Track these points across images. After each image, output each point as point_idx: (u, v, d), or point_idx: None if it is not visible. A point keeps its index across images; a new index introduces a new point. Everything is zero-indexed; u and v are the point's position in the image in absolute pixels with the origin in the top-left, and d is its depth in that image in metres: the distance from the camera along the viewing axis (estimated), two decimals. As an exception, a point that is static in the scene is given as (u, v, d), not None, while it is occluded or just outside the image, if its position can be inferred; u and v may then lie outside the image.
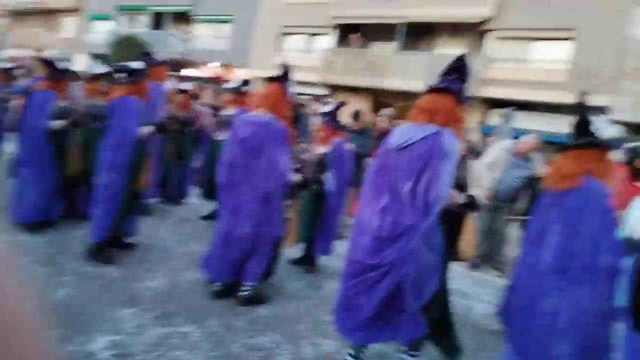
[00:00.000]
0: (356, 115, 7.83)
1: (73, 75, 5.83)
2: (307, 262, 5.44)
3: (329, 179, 5.12)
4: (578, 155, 2.89)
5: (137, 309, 3.80)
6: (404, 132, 3.00)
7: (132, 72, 4.68)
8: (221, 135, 6.18)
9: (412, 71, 18.18)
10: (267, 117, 4.08)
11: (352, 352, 3.40)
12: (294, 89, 4.36)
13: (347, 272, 3.11)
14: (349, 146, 6.45)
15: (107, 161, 4.50)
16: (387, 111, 7.89)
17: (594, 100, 13.35)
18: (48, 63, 5.39)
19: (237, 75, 19.27)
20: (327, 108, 5.36)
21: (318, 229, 5.23)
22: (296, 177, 4.94)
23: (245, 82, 6.62)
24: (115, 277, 4.36)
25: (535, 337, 2.86)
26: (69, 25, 32.94)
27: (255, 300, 4.23)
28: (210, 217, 6.49)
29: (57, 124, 5.18)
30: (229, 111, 6.35)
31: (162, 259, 4.98)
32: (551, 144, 12.50)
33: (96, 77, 5.72)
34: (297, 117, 8.50)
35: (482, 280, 6.09)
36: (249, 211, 4.04)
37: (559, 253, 2.77)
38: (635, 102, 15.26)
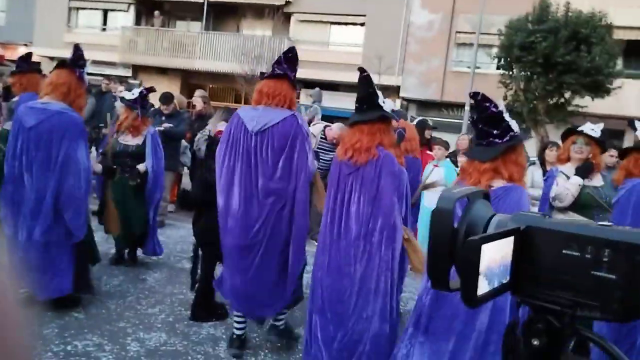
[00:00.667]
0: (167, 99, 7.45)
1: None
2: (130, 259, 5.08)
3: (148, 170, 4.80)
4: (371, 130, 2.97)
5: None
6: (259, 117, 3.29)
7: None
8: (5, 124, 5.24)
9: (221, 52, 18.02)
10: (59, 106, 3.62)
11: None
12: (88, 69, 3.94)
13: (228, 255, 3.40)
14: (165, 126, 6.13)
15: None
16: (200, 92, 7.67)
17: (385, 81, 14.98)
18: None
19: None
20: (132, 94, 4.93)
21: (146, 229, 4.85)
22: (98, 167, 4.56)
23: (28, 58, 5.54)
24: None
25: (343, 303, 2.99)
26: None
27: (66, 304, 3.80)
28: None
29: None
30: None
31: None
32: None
33: None
34: (100, 101, 7.80)
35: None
36: (31, 212, 3.55)
37: (362, 220, 2.97)
38: (418, 82, 17.47)
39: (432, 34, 17.33)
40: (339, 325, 2.93)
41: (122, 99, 5.06)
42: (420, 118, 8.03)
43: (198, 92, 7.73)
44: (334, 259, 2.99)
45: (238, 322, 3.50)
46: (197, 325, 3.82)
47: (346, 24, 18.39)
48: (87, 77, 3.92)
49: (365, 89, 3.04)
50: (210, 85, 18.89)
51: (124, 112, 4.86)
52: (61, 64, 3.84)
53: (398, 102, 16.47)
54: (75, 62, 3.82)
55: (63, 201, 3.57)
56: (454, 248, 0.71)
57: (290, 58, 3.45)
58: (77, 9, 20.68)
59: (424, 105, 17.49)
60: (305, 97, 18.27)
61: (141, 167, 4.78)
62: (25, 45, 18.72)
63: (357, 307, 2.92)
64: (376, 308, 2.90)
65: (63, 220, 3.61)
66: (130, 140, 4.81)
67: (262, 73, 3.71)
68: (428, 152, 6.40)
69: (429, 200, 5.30)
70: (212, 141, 4.09)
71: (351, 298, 2.93)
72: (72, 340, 3.35)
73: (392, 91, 16.16)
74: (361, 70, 3.05)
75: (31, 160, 3.55)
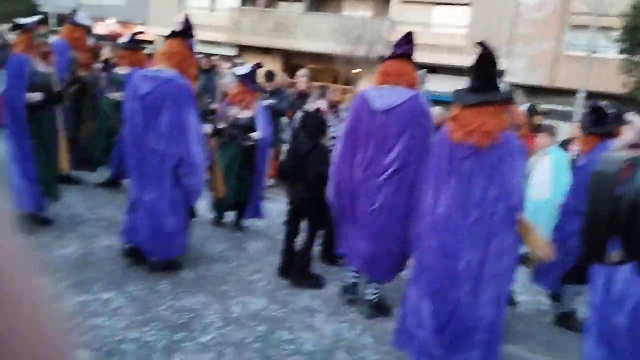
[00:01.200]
0: (270, 76, 7.69)
1: None
2: (236, 225, 5.39)
3: (258, 140, 5.09)
4: (497, 112, 2.83)
5: (51, 278, 3.53)
6: (385, 96, 3.46)
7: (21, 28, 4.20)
8: (115, 95, 5.70)
9: (322, 33, 18.15)
10: (171, 74, 3.74)
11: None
12: (198, 47, 4.10)
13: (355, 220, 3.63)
14: (268, 102, 6.35)
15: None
16: (304, 72, 7.81)
17: (491, 64, 14.29)
18: None
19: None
20: (244, 70, 5.18)
21: (249, 194, 5.18)
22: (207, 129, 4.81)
23: (137, 37, 6.00)
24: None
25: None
26: None
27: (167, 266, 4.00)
28: (113, 183, 6.08)
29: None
30: (123, 70, 5.80)
31: (73, 226, 4.64)
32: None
33: None
34: (208, 77, 8.20)
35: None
36: (153, 175, 3.74)
37: (484, 205, 2.81)
38: (527, 65, 16.47)
39: (543, 15, 16.21)
40: (453, 312, 2.85)
41: (235, 74, 5.28)
42: (529, 104, 7.58)
43: (302, 72, 7.87)
44: (450, 244, 2.86)
45: (354, 273, 3.87)
46: (295, 295, 3.95)
47: (451, 4, 17.72)
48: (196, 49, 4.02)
49: (488, 69, 2.88)
50: (311, 66, 19.11)
51: (237, 87, 5.12)
52: (173, 34, 3.92)
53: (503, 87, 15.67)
54: (186, 32, 3.90)
55: (181, 166, 3.74)
56: (618, 215, 0.67)
57: (409, 40, 3.64)
58: (189, -10, 21.82)
59: (532, 90, 16.47)
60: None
61: (254, 135, 5.06)
62: (141, 24, 20.10)
63: (473, 293, 2.82)
64: (493, 294, 2.81)
65: (181, 184, 3.80)
66: (242, 113, 5.08)
67: (381, 56, 3.87)
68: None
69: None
70: (308, 116, 4.27)
71: (468, 284, 2.82)
72: (183, 297, 3.61)
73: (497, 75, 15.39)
74: (482, 45, 2.84)
75: (147, 125, 3.69)
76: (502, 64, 16.03)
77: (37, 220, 4.45)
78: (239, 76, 5.14)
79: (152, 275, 3.86)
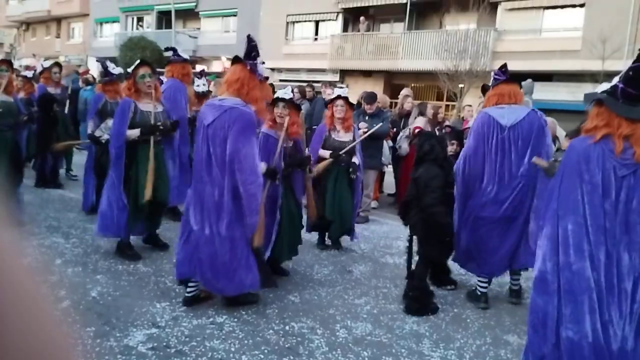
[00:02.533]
0: (371, 98, 7.75)
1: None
2: (334, 245, 5.50)
3: (358, 164, 5.29)
4: None
5: (170, 302, 3.83)
6: (509, 114, 3.99)
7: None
8: None
9: (424, 50, 17.97)
10: (233, 101, 3.62)
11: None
12: (262, 69, 3.83)
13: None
14: (364, 127, 6.42)
15: None
16: (406, 91, 7.79)
17: (610, 66, 13.12)
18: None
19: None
20: (343, 92, 5.33)
21: (349, 217, 5.32)
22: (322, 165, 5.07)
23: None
24: (146, 273, 4.40)
25: None
26: (78, 32, 33.25)
27: (239, 301, 3.87)
28: None
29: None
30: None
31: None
32: (575, 113, 12.30)
33: (114, 80, 5.93)
34: (313, 104, 8.48)
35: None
36: (214, 207, 3.59)
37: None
38: (655, 65, 14.85)
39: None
40: None
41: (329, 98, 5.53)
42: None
43: (404, 91, 7.85)
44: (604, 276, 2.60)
45: (482, 282, 4.29)
46: (401, 320, 3.88)
47: (562, 6, 16.63)
48: (261, 68, 3.79)
49: None
50: (413, 84, 19.00)
51: (338, 110, 5.31)
52: (235, 59, 3.77)
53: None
54: (248, 54, 3.72)
55: (239, 196, 3.59)
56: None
57: (505, 69, 4.21)
58: (294, 22, 22.83)
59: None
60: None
61: (355, 160, 5.29)
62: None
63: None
64: None
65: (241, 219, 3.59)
66: (343, 137, 5.26)
67: (485, 85, 4.56)
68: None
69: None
70: (429, 145, 4.11)
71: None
72: (290, 321, 3.71)
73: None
74: None
75: (210, 156, 3.61)
76: (624, 65, 14.66)
77: (156, 244, 5.00)
78: (340, 98, 5.32)
79: (262, 299, 4.02)
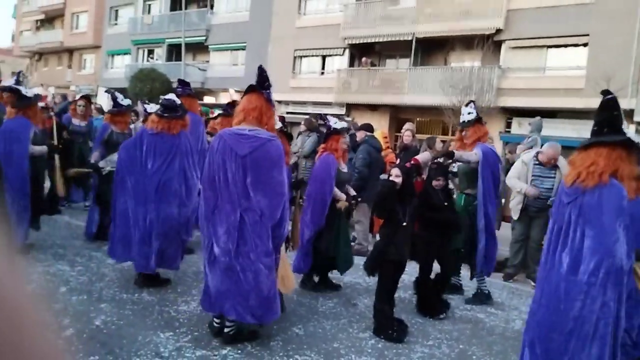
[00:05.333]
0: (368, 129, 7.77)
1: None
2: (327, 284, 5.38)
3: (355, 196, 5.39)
4: (611, 154, 2.78)
5: (174, 332, 3.81)
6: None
7: (175, 108, 4.79)
8: None
9: (429, 85, 18.21)
10: (267, 134, 3.68)
11: None
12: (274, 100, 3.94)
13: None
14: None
15: None
16: (408, 126, 7.88)
17: (615, 104, 13.24)
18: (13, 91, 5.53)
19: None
20: (338, 124, 5.30)
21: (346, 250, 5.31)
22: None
23: (234, 104, 6.53)
24: (150, 302, 4.38)
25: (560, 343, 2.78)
26: (89, 63, 33.95)
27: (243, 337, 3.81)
28: None
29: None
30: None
31: (194, 283, 4.99)
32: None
33: (123, 111, 6.07)
34: (320, 137, 8.57)
35: (518, 291, 5.97)
36: (249, 235, 3.59)
37: (576, 255, 2.74)
38: (658, 103, 15.01)
39: (675, 48, 14.82)
40: None
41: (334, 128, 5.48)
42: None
43: (407, 125, 7.94)
44: (546, 293, 2.84)
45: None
46: (406, 355, 3.84)
47: (566, 45, 16.89)
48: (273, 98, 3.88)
49: (608, 112, 2.89)
50: (418, 119, 19.18)
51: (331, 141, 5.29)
52: (250, 88, 3.82)
53: (632, 127, 14.36)
54: (262, 84, 3.79)
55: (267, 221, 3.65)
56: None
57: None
58: (301, 57, 23.26)
59: (666, 130, 14.89)
60: (517, 126, 17.26)
61: (351, 191, 5.41)
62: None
63: (568, 349, 2.71)
64: (592, 356, 2.63)
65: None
66: (344, 168, 5.37)
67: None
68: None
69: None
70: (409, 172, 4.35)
71: (561, 337, 2.74)
72: (294, 354, 3.67)
73: (624, 115, 14.18)
74: (605, 92, 2.92)
75: (246, 185, 3.58)
76: (628, 103, 14.83)
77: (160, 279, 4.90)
78: (335, 130, 5.22)
79: (265, 331, 3.98)
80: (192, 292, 4.75)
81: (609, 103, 2.90)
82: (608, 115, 2.90)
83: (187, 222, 4.83)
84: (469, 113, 5.25)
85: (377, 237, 5.47)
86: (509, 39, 17.73)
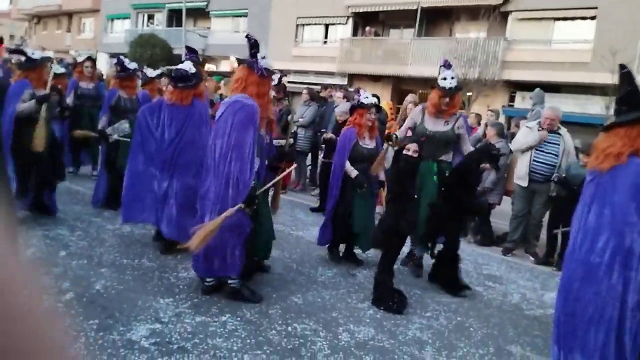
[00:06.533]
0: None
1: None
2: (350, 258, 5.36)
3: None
4: (630, 133, 2.68)
5: (174, 298, 3.82)
6: None
7: (187, 78, 4.65)
8: None
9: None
10: (235, 97, 3.86)
11: None
12: (264, 63, 3.90)
13: None
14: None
15: None
16: (411, 97, 7.78)
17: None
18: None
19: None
20: (368, 99, 5.08)
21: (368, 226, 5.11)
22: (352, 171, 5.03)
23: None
24: (150, 268, 4.39)
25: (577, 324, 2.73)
26: (88, 27, 33.41)
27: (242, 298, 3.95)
28: None
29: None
30: None
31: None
32: (583, 126, 12.25)
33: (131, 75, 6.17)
34: (322, 107, 8.47)
35: (517, 266, 5.99)
36: (216, 198, 3.76)
37: (590, 236, 2.66)
38: (665, 80, 14.80)
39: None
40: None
41: (362, 102, 5.11)
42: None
43: (409, 97, 7.85)
44: (564, 278, 2.76)
45: None
46: (404, 326, 3.87)
47: (573, 18, 16.60)
48: (263, 62, 3.87)
49: (624, 88, 2.77)
50: (421, 91, 18.96)
51: (369, 117, 5.08)
52: (238, 61, 4.07)
53: None
54: (250, 52, 3.91)
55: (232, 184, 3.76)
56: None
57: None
58: (303, 25, 22.86)
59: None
60: (521, 100, 17.09)
61: (382, 176, 5.16)
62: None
63: (575, 333, 2.64)
64: (598, 343, 2.56)
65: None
66: (370, 144, 5.13)
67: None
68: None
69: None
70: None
71: (568, 319, 2.68)
72: (292, 322, 3.70)
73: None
74: (621, 66, 2.80)
75: (213, 147, 3.82)
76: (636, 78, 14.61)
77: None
78: (369, 105, 5.04)
79: (265, 299, 4.01)
80: (190, 258, 4.75)
81: (624, 78, 2.79)
82: (624, 92, 2.80)
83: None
84: (452, 78, 4.90)
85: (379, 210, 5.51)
86: (516, 10, 17.39)
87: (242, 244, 3.85)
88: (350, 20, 21.34)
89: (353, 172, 4.97)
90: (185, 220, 4.43)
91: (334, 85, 10.57)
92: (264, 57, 3.89)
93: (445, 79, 4.91)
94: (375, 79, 19.96)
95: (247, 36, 3.97)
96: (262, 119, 4.07)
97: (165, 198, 4.65)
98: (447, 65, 5.03)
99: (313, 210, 7.33)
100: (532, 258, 6.24)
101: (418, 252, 5.17)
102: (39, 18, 37.22)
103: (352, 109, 5.19)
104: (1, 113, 4.81)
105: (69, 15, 34.22)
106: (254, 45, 3.90)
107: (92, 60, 7.84)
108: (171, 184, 4.63)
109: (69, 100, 6.96)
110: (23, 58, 5.35)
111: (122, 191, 4.95)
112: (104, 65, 23.62)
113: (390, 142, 4.49)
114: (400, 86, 19.86)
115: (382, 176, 5.12)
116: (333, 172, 5.13)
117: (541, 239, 6.53)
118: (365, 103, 5.01)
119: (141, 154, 4.85)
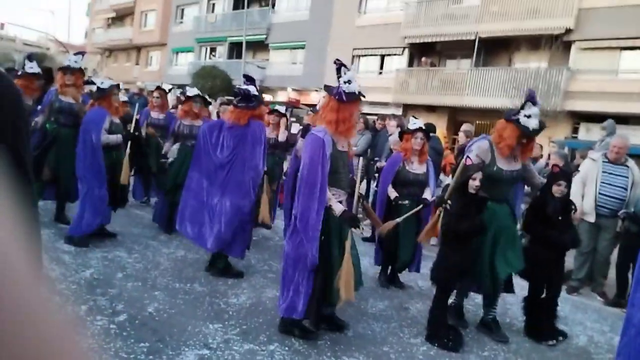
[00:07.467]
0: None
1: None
2: (395, 283, 5.32)
3: (431, 200, 4.98)
4: None
5: (223, 324, 3.81)
6: None
7: (249, 98, 4.81)
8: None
9: (490, 87, 17.62)
10: (315, 128, 3.85)
11: None
12: (346, 87, 3.69)
13: None
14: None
15: None
16: (467, 127, 7.61)
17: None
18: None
19: (313, 99, 19.56)
20: (415, 125, 5.11)
21: (415, 251, 5.13)
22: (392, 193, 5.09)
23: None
24: (201, 293, 4.42)
25: None
26: (155, 60, 35.26)
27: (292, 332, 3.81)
28: None
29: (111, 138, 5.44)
30: None
31: (245, 276, 5.00)
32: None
33: (189, 99, 6.36)
34: (376, 137, 8.43)
35: (583, 306, 5.60)
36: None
37: None
38: None
39: None
40: None
41: (409, 128, 5.22)
42: None
43: (463, 127, 7.69)
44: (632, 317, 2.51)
45: None
46: (459, 365, 3.66)
47: (639, 47, 15.85)
48: (345, 87, 3.68)
49: None
50: (477, 121, 18.59)
51: (417, 143, 5.14)
52: (325, 89, 4.19)
53: None
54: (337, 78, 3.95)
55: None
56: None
57: None
58: (359, 56, 23.09)
59: None
60: (585, 132, 16.37)
61: (428, 195, 5.07)
62: (316, 90, 21.74)
63: None
64: None
65: None
66: (418, 169, 5.13)
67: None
68: None
69: None
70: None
71: None
72: (342, 355, 3.58)
73: None
74: None
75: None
76: None
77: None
78: (418, 130, 5.07)
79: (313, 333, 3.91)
80: (242, 285, 4.76)
81: None
82: None
83: (250, 212, 4.92)
84: (537, 116, 4.26)
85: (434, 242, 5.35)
86: (580, 40, 16.83)
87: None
88: (407, 51, 21.36)
89: (392, 194, 5.07)
90: (230, 237, 4.75)
91: (390, 115, 10.52)
92: (347, 82, 3.68)
93: (529, 116, 4.13)
94: (431, 109, 19.75)
95: (335, 61, 3.81)
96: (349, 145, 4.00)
97: (214, 214, 4.78)
98: (533, 100, 4.23)
99: (365, 240, 7.21)
100: (600, 298, 5.82)
101: (457, 300, 4.62)
102: (110, 51, 39.69)
103: (401, 135, 5.32)
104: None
105: (138, 48, 36.30)
106: (338, 70, 3.75)
107: (162, 90, 7.57)
108: (221, 202, 4.75)
109: (144, 131, 7.03)
110: (94, 88, 5.67)
111: (179, 205, 5.12)
112: (169, 96, 24.71)
113: (443, 207, 4.07)
114: (456, 116, 19.53)
115: (428, 195, 5.07)
116: (378, 195, 5.30)
117: (609, 278, 6.10)
118: (412, 128, 5.11)
119: (197, 171, 4.99)
